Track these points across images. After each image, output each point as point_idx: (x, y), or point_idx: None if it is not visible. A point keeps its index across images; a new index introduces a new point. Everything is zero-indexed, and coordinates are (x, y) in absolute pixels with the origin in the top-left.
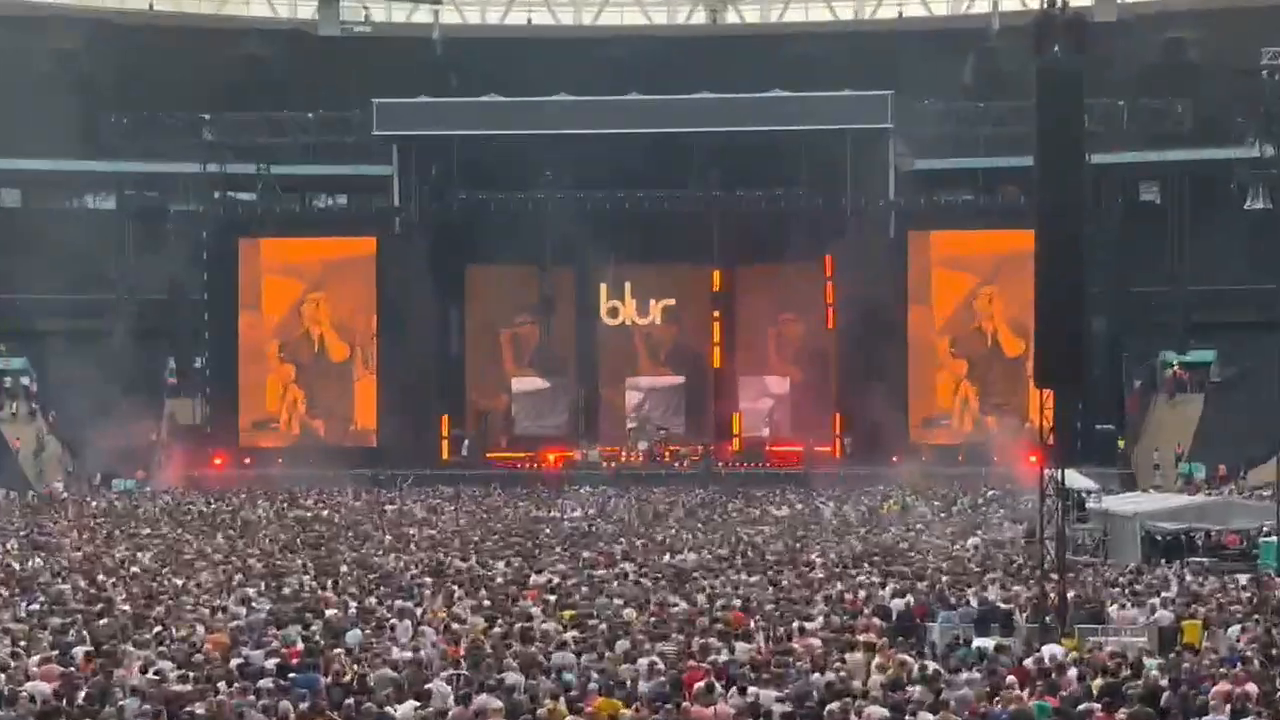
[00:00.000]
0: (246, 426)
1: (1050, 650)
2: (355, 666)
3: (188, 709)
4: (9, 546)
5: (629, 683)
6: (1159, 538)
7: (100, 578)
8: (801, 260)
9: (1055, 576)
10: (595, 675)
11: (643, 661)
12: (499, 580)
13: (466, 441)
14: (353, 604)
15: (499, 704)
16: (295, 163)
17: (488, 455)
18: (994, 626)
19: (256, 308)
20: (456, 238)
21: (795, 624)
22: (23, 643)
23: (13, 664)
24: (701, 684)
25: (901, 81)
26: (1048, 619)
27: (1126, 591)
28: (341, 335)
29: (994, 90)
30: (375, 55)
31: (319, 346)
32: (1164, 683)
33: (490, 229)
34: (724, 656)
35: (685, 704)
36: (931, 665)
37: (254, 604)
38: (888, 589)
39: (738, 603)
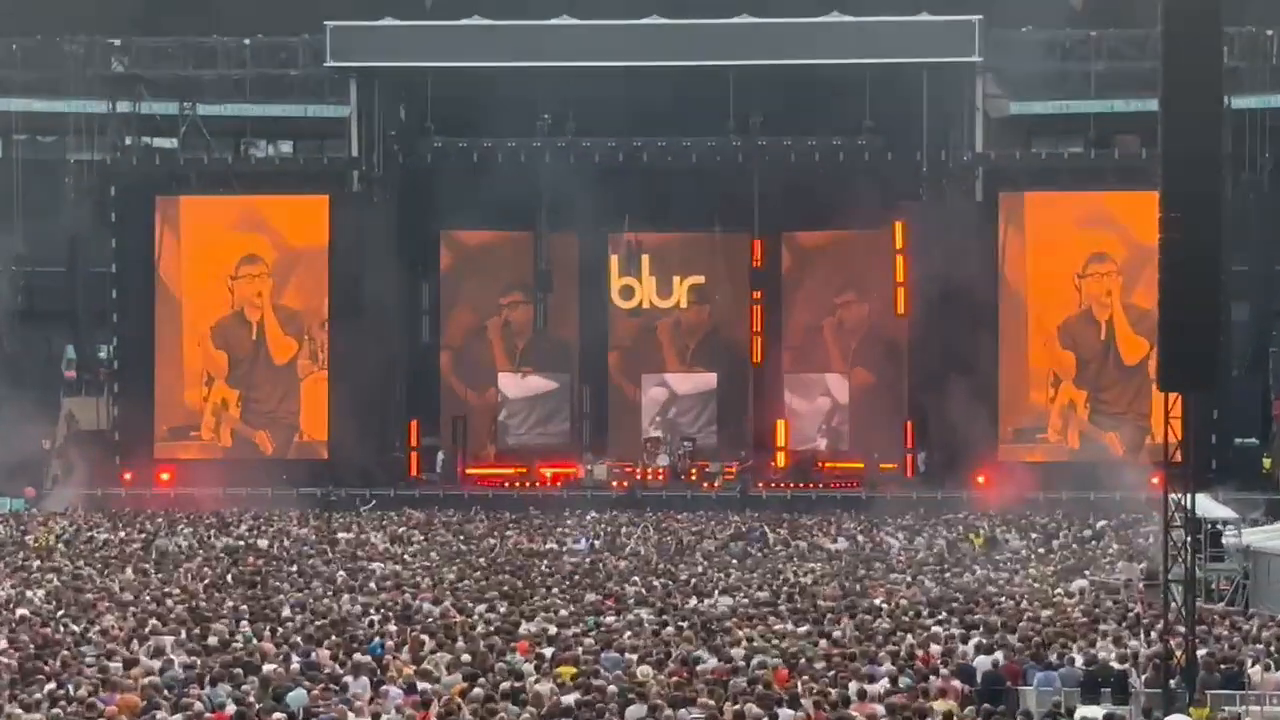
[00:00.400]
0: (164, 433)
1: None
2: None
3: None
4: None
5: None
6: None
7: None
8: (866, 228)
9: (1182, 629)
10: None
11: None
12: (481, 629)
13: (441, 454)
14: (296, 657)
15: None
16: (227, 101)
17: (468, 471)
18: (1104, 691)
19: (178, 284)
20: (430, 196)
21: (854, 686)
22: None
23: None
24: None
25: (993, 3)
26: (1173, 682)
27: (1273, 649)
28: (286, 323)
29: (1109, 16)
30: None
31: (257, 334)
32: None
33: (472, 185)
34: None
35: None
36: None
37: (172, 656)
38: (970, 643)
39: (780, 659)
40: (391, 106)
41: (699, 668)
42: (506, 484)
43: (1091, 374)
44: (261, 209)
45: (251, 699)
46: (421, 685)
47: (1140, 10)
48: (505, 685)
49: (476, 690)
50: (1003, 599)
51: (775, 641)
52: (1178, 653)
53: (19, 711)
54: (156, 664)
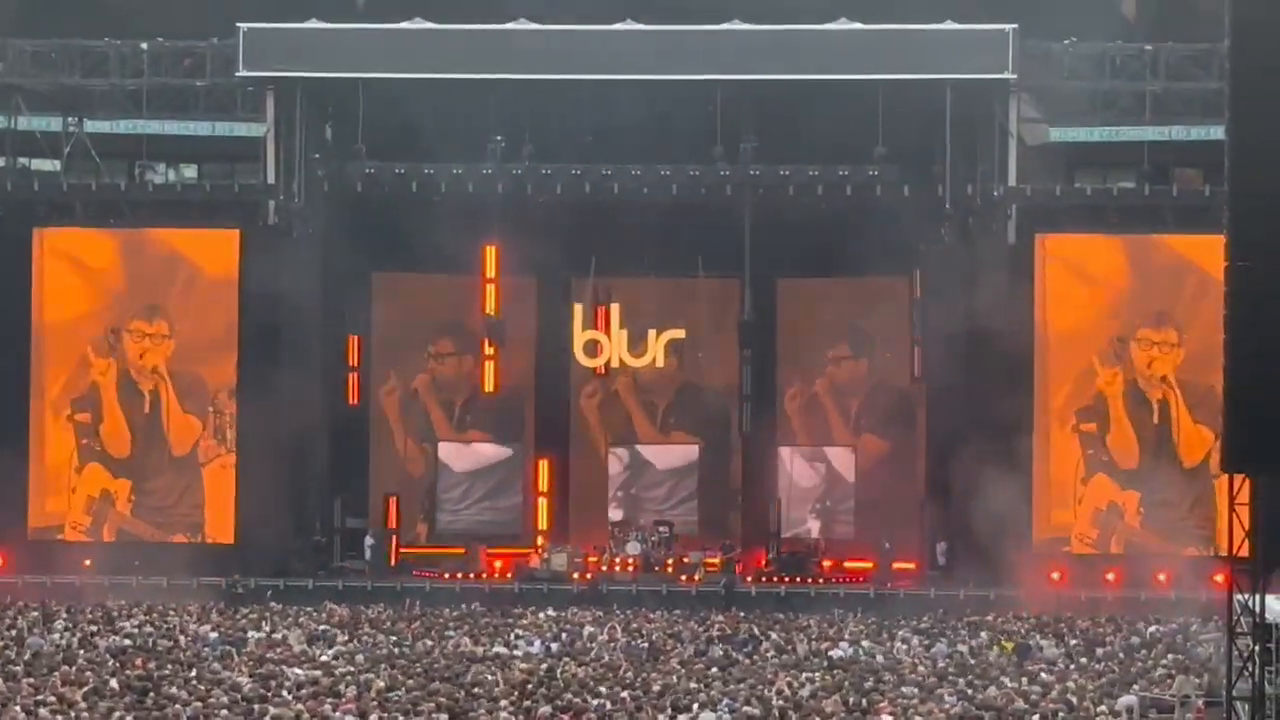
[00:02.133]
0: (40, 507)
1: None
2: None
3: None
4: None
5: None
6: None
7: None
8: (877, 274)
9: None
10: None
11: None
12: None
13: (370, 539)
14: None
15: None
16: (121, 117)
17: (401, 558)
18: None
19: (61, 332)
20: (360, 231)
21: None
22: None
23: None
24: None
25: (1030, 11)
26: None
27: None
28: (186, 395)
29: (1168, 28)
30: None
31: (151, 405)
32: None
33: (411, 218)
34: None
35: None
36: None
37: None
38: None
39: None
40: (315, 125)
41: None
42: (447, 574)
43: (1144, 471)
44: (159, 246)
45: None
46: None
47: (1204, 21)
48: None
49: None
50: (1036, 717)
51: None
52: None
53: None
54: None
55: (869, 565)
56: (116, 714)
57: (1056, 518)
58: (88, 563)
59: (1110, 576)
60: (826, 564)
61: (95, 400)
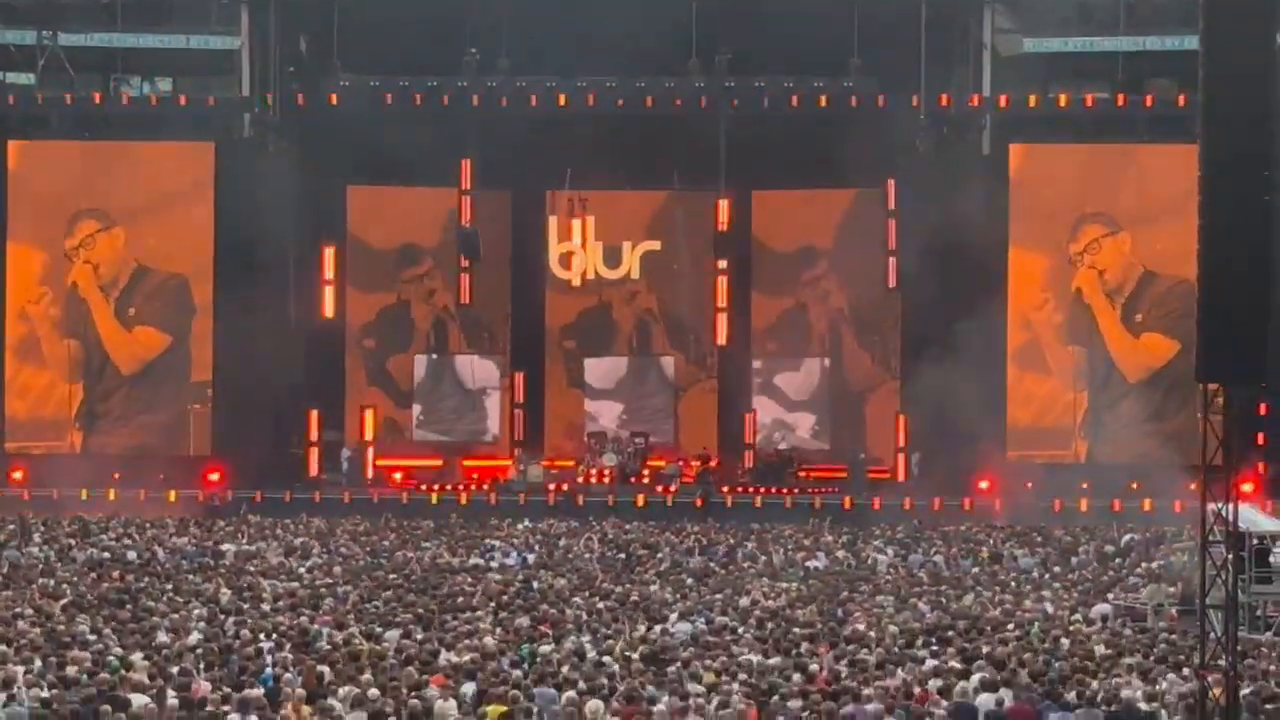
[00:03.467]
0: (18, 421)
1: None
2: None
3: None
4: None
5: None
6: None
7: None
8: (852, 186)
9: (1222, 663)
10: None
11: None
12: (391, 659)
13: (347, 451)
14: (172, 691)
15: None
16: (95, 30)
17: (377, 471)
18: None
19: (33, 246)
20: (335, 145)
21: None
22: None
23: None
24: None
25: None
26: None
27: None
28: (159, 307)
29: None
30: None
31: (123, 318)
32: None
33: (385, 132)
34: None
35: None
36: None
37: (22, 690)
38: (973, 679)
39: (748, 697)
40: (290, 37)
41: (652, 707)
42: (424, 487)
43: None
44: (134, 159)
45: None
46: None
47: None
48: None
49: None
50: (1011, 627)
51: (742, 676)
52: (1216, 690)
53: None
54: (0, 698)
55: (843, 471)
56: (93, 624)
57: (1030, 426)
58: (66, 473)
59: (1084, 486)
60: (802, 474)
61: (74, 316)
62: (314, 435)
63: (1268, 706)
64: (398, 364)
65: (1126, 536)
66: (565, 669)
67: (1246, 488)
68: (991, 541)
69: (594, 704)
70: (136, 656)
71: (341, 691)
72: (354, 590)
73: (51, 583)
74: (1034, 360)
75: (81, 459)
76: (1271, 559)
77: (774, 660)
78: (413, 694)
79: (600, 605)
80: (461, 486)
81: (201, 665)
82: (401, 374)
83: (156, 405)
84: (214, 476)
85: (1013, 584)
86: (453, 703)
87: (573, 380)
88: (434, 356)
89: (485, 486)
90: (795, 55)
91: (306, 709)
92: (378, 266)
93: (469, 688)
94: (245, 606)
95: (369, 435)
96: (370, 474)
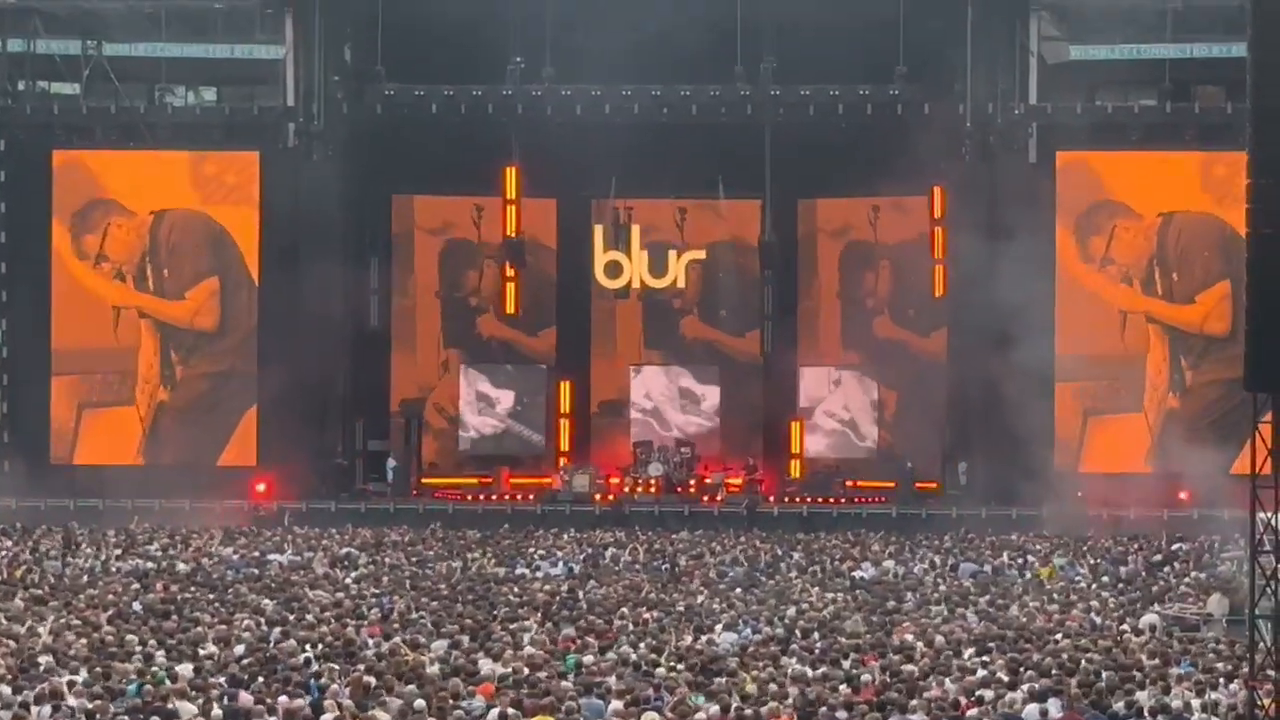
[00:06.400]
0: (65, 431)
1: None
2: None
3: None
4: None
5: None
6: None
7: None
8: (898, 194)
9: (1273, 674)
10: None
11: None
12: (437, 669)
13: (392, 461)
14: (218, 705)
15: None
16: (139, 40)
17: (423, 481)
18: None
19: (82, 255)
20: (380, 154)
21: None
22: None
23: None
24: None
25: None
26: None
27: None
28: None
29: None
30: None
31: (167, 332)
32: None
33: (430, 141)
34: None
35: None
36: None
37: (69, 702)
38: (1019, 690)
39: (794, 708)
40: (335, 47)
41: (698, 716)
42: (469, 496)
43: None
44: (177, 169)
45: None
46: None
47: None
48: None
49: None
50: (1059, 636)
51: (788, 686)
52: (1266, 701)
53: None
54: (46, 711)
55: (891, 485)
56: (138, 636)
57: (1077, 436)
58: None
59: (1133, 495)
60: (848, 484)
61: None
62: (360, 445)
63: None
64: (445, 373)
65: (1175, 546)
66: (612, 679)
67: None
68: (1040, 551)
69: (650, 716)
70: (182, 668)
71: (388, 701)
72: (400, 601)
73: (98, 594)
74: (1082, 369)
75: (128, 471)
76: None
77: (820, 671)
78: (458, 704)
79: (646, 615)
80: (507, 496)
81: (247, 676)
82: (448, 384)
83: (204, 416)
84: (261, 487)
85: (1059, 594)
86: (498, 713)
87: (619, 390)
88: (479, 366)
89: (531, 497)
90: (841, 63)
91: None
92: (423, 275)
93: (514, 697)
94: (291, 617)
95: (415, 445)
96: (416, 484)
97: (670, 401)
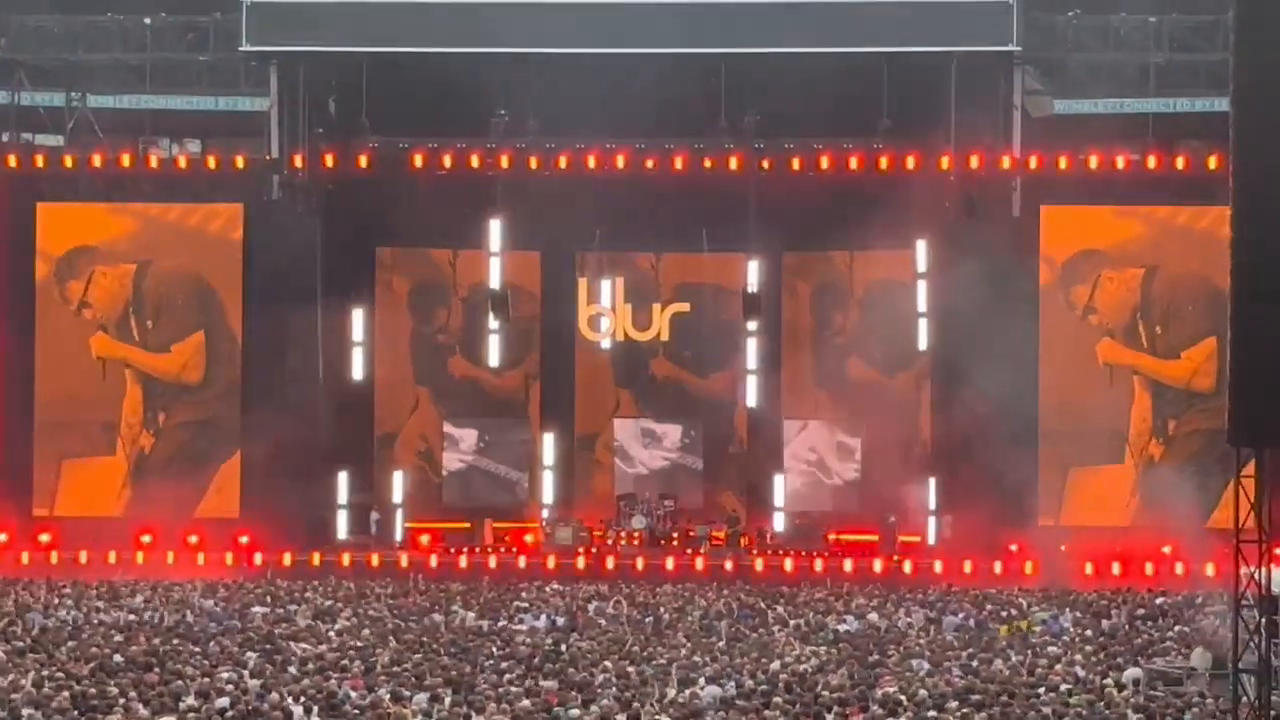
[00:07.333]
0: (47, 482)
1: None
2: None
3: None
4: None
5: None
6: None
7: None
8: (882, 248)
9: None
10: None
11: None
12: None
13: (375, 514)
14: None
15: None
16: (124, 91)
17: (407, 534)
18: None
19: (64, 300)
20: (364, 207)
21: None
22: None
23: None
24: None
25: None
26: None
27: None
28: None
29: None
30: None
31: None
32: None
33: (414, 193)
34: None
35: None
36: None
37: None
38: None
39: None
40: (319, 99)
41: None
42: (453, 549)
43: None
44: (161, 221)
45: None
46: None
47: None
48: None
49: None
50: (1041, 691)
51: None
52: None
53: None
54: None
55: (874, 538)
56: (118, 688)
57: (1060, 491)
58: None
59: (1115, 550)
60: (832, 538)
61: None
62: (341, 498)
63: None
64: (428, 426)
65: (1158, 600)
66: None
67: None
68: (1023, 606)
69: None
70: None
71: None
72: (383, 653)
73: (79, 645)
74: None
75: (107, 522)
76: None
77: None
78: None
79: (629, 669)
80: (490, 548)
81: None
82: (430, 436)
83: (185, 467)
84: (243, 539)
85: (1044, 647)
86: None
87: (602, 442)
88: (466, 420)
89: (514, 549)
90: (824, 117)
91: None
92: (406, 328)
93: None
94: (273, 670)
95: (398, 498)
96: (399, 536)
97: (653, 454)
